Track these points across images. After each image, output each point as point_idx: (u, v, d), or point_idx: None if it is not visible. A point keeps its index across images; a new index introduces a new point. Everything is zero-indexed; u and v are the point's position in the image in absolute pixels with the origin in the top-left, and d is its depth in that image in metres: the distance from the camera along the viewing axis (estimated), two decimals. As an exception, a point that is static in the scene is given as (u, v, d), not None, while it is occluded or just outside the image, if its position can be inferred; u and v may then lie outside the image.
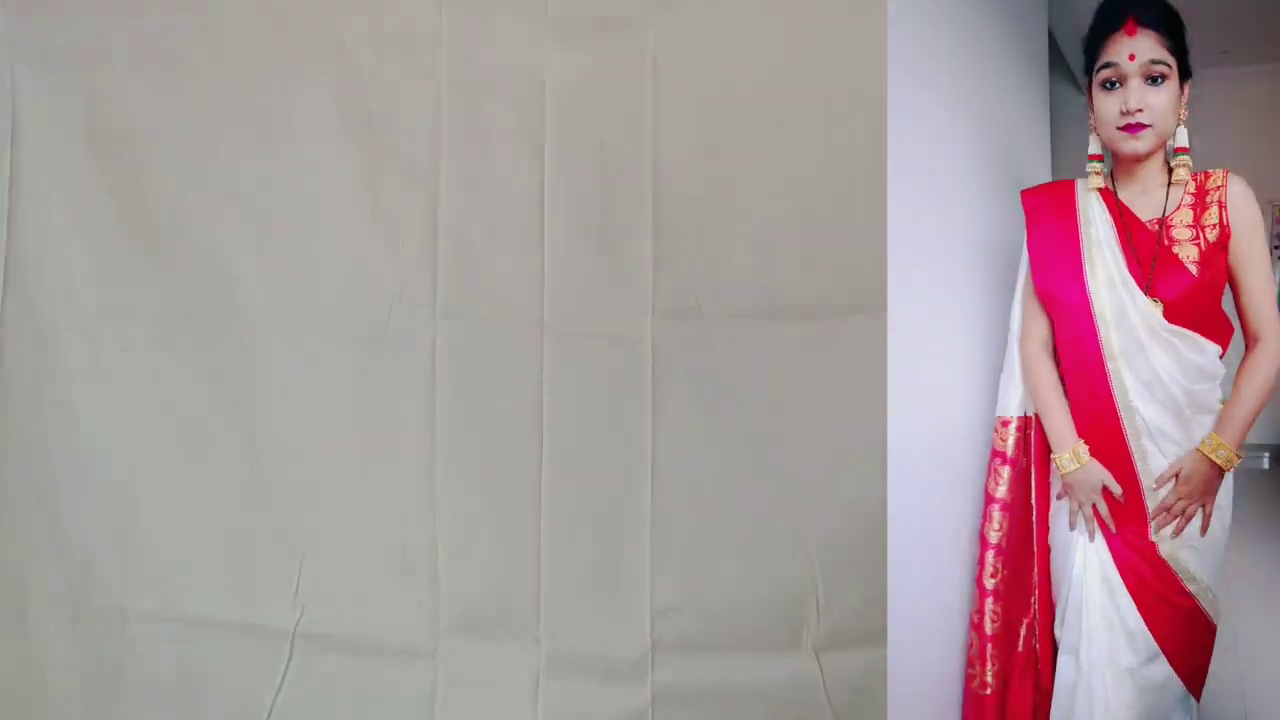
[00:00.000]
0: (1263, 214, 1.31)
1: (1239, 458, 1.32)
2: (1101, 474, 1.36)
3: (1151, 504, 1.34)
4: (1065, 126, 3.85)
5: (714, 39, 1.22)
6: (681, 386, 1.24)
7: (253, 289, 1.26)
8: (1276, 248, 4.95)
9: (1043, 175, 2.31)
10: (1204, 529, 1.33)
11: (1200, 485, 1.30)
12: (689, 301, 1.23)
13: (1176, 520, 1.32)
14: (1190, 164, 1.33)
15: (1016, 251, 1.59)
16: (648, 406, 1.24)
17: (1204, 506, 1.32)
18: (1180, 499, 1.31)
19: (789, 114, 1.23)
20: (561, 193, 1.23)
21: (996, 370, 1.63)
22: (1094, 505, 1.37)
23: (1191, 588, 1.34)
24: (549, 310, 1.24)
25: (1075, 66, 3.64)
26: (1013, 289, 1.59)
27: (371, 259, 1.24)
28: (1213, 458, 1.30)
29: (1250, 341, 1.35)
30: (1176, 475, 1.31)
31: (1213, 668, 1.98)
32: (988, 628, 1.46)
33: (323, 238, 1.25)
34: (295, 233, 1.25)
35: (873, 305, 1.22)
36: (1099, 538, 1.37)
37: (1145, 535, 1.35)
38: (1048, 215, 1.43)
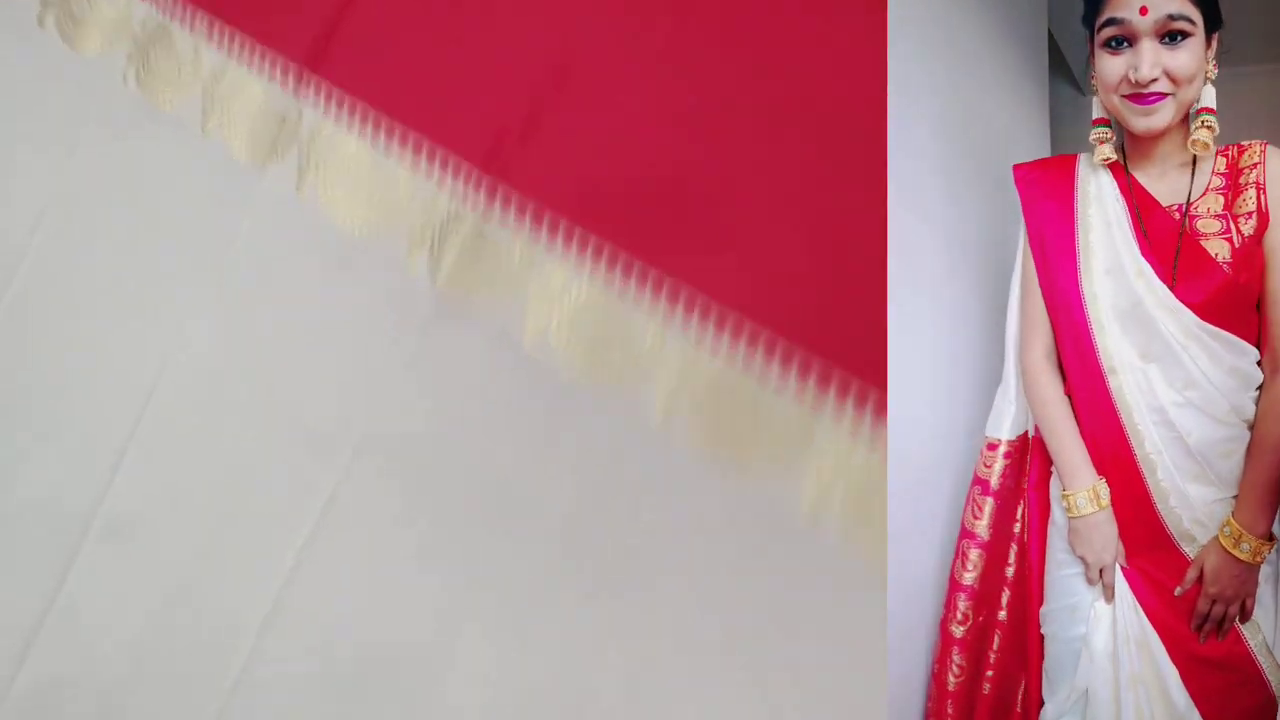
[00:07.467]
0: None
1: (1271, 544, 0.93)
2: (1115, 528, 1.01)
3: (1182, 543, 0.99)
4: (1065, 126, 3.82)
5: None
6: None
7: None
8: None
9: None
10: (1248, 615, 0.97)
11: (1231, 586, 0.94)
12: None
13: (1220, 625, 0.96)
14: (1216, 129, 0.97)
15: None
16: None
17: (1244, 603, 0.95)
18: (1213, 603, 0.95)
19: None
20: None
21: (995, 384, 1.44)
22: (1101, 569, 1.00)
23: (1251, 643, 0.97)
24: None
25: (1075, 66, 3.62)
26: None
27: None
28: (1235, 554, 0.92)
29: (1270, 369, 0.96)
30: (1201, 574, 0.96)
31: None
32: (950, 681, 1.15)
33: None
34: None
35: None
36: (1128, 595, 1.00)
37: (1173, 587, 0.99)
38: (1043, 195, 1.11)
